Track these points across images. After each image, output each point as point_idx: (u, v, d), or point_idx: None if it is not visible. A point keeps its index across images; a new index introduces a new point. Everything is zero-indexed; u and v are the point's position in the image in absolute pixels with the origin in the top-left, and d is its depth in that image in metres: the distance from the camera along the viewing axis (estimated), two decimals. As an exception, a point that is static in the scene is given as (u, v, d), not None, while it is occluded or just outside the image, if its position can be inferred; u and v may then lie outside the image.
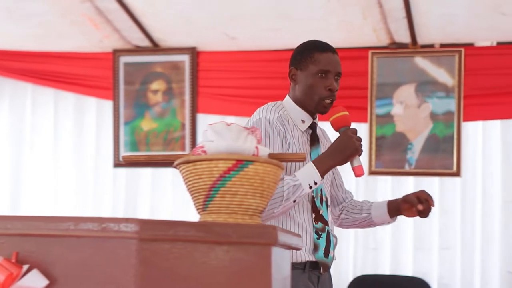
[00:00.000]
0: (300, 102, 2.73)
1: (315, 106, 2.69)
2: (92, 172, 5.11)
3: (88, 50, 5.03)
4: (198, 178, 1.79)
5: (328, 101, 2.68)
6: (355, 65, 4.68)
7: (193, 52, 4.91)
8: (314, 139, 2.76)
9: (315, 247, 2.65)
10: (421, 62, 4.58)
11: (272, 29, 4.58)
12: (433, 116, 4.55)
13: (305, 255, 2.63)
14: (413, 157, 4.57)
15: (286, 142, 2.64)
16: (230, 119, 4.68)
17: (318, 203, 2.69)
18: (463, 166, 4.52)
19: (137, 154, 4.90)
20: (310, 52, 2.72)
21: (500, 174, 4.48)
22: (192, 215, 1.86)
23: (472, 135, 4.57)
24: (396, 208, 2.81)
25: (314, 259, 2.65)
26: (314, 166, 2.57)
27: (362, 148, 2.59)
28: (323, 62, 2.68)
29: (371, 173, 4.63)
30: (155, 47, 4.96)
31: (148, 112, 5.00)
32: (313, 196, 2.68)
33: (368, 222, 2.91)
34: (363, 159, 4.62)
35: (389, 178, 4.65)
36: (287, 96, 2.78)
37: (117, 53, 4.99)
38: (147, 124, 5.00)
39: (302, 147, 2.70)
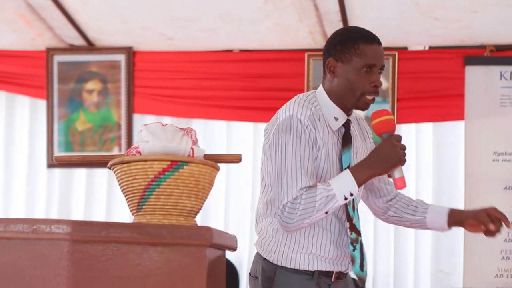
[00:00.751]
0: (337, 97, 2.43)
1: (355, 103, 2.41)
2: (25, 172, 4.99)
3: (20, 48, 4.92)
4: (133, 179, 1.78)
5: (370, 97, 2.40)
6: (292, 67, 4.71)
7: (129, 52, 4.85)
8: (346, 140, 2.45)
9: (352, 260, 2.41)
10: (356, 65, 4.64)
11: (209, 30, 4.57)
12: (367, 118, 4.61)
13: (318, 265, 2.42)
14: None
15: (316, 144, 2.37)
16: (167, 119, 4.65)
17: (351, 211, 2.43)
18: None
19: (71, 154, 4.81)
20: (355, 42, 2.39)
21: (431, 175, 4.57)
22: (127, 216, 1.85)
23: (405, 137, 4.63)
24: (459, 220, 2.54)
25: (341, 270, 2.44)
26: (351, 175, 2.31)
27: (406, 158, 2.32)
28: (369, 55, 2.37)
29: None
30: (90, 46, 4.89)
31: (83, 112, 4.92)
32: (346, 204, 2.40)
33: (420, 225, 2.63)
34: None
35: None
36: (321, 87, 2.47)
37: (50, 51, 4.89)
38: (81, 124, 4.92)
39: (332, 148, 2.42)
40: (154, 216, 1.75)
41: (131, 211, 1.82)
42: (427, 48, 4.63)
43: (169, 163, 1.75)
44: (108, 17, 4.53)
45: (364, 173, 2.31)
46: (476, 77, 4.43)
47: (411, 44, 4.64)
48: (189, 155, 1.82)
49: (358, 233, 2.43)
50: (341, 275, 2.45)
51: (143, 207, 1.77)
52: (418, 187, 4.60)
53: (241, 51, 4.83)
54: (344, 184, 2.30)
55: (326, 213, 2.31)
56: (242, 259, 4.70)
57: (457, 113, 4.51)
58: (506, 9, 3.98)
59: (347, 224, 2.41)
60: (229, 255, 4.30)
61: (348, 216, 2.41)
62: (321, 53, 4.56)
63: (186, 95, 4.81)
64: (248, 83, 4.77)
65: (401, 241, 4.59)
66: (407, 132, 4.63)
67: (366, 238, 4.55)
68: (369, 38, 2.42)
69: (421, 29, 4.37)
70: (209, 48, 4.82)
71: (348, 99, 2.41)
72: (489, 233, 2.45)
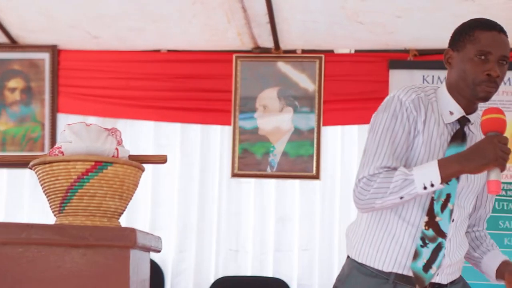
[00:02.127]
0: (454, 89, 2.29)
1: (470, 93, 2.24)
2: None
3: None
4: (55, 180, 1.74)
5: (487, 87, 2.22)
6: (220, 68, 4.72)
7: (54, 50, 4.76)
8: (457, 135, 2.28)
9: (415, 255, 2.26)
10: (283, 67, 4.68)
11: (135, 29, 4.52)
12: (295, 120, 4.66)
13: (392, 263, 2.28)
14: (274, 160, 4.65)
15: (415, 129, 2.24)
16: (92, 119, 4.58)
17: (437, 208, 2.26)
18: (322, 169, 4.65)
19: (-8, 154, 4.68)
20: (471, 29, 2.25)
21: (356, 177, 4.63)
22: (50, 218, 1.81)
23: (331, 139, 4.71)
24: (502, 273, 2.37)
25: (403, 272, 2.28)
26: (437, 166, 2.15)
27: (507, 160, 2.13)
28: (483, 41, 2.21)
29: (234, 175, 4.68)
30: (13, 44, 4.77)
31: (4, 111, 4.79)
32: (433, 197, 2.26)
33: (475, 263, 2.49)
34: (226, 162, 4.69)
35: (252, 180, 4.71)
36: (444, 82, 2.37)
37: (-29, 49, 4.76)
38: (3, 124, 4.79)
39: (437, 138, 2.26)
40: (76, 217, 1.72)
41: (53, 212, 1.78)
42: (353, 52, 4.70)
43: (92, 163, 1.72)
44: (32, 14, 4.43)
45: (453, 166, 2.15)
46: (400, 81, 4.51)
47: (338, 47, 4.70)
48: (113, 156, 1.80)
49: (442, 234, 2.26)
50: (420, 282, 2.26)
51: (66, 208, 1.73)
52: (343, 190, 4.65)
53: (169, 51, 4.80)
54: (426, 173, 2.15)
55: (401, 198, 2.17)
56: (167, 260, 4.67)
57: (382, 116, 4.60)
58: (429, 15, 4.08)
59: (425, 218, 2.26)
60: (155, 256, 4.30)
61: (430, 211, 2.26)
62: (249, 54, 4.68)
63: (112, 95, 4.75)
64: (175, 83, 4.74)
65: (325, 239, 4.64)
66: (333, 135, 4.69)
67: (291, 236, 4.62)
68: (486, 25, 2.26)
69: (347, 33, 4.44)
70: (136, 48, 4.77)
71: (463, 89, 2.26)
72: None
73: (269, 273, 4.66)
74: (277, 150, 4.65)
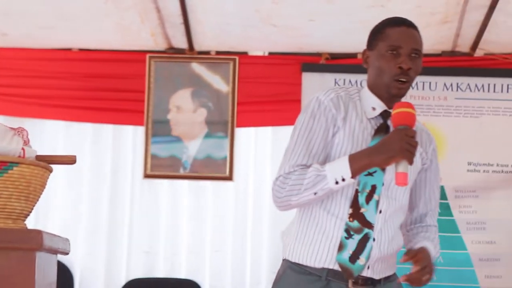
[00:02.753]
0: (373, 87, 2.34)
1: (386, 89, 2.29)
2: None
3: None
4: (-43, 180, 1.68)
5: (400, 82, 2.26)
6: (133, 68, 4.67)
7: (-41, 47, 4.60)
8: (380, 129, 2.31)
9: (340, 247, 2.26)
10: (197, 68, 4.67)
11: (46, 27, 4.42)
12: (208, 121, 4.66)
13: (323, 258, 2.28)
14: (188, 161, 4.63)
15: (334, 126, 2.27)
16: (-1, 119, 4.45)
17: (361, 199, 2.27)
18: (235, 170, 4.66)
19: None
20: (382, 28, 2.33)
21: (269, 179, 4.67)
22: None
23: (244, 141, 4.73)
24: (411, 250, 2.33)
25: (335, 267, 2.27)
26: (348, 160, 2.19)
27: (415, 154, 2.17)
28: (393, 36, 2.28)
29: (147, 176, 4.64)
30: None
31: None
32: (357, 189, 2.27)
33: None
34: (139, 163, 4.64)
35: (165, 181, 4.68)
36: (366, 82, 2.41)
37: None
38: None
39: (360, 134, 2.29)
40: (-20, 219, 1.66)
41: (-45, 214, 1.72)
42: (266, 54, 4.73)
43: (-3, 163, 1.67)
44: None
45: (362, 160, 2.19)
46: (312, 84, 4.57)
47: (252, 49, 4.73)
48: (19, 156, 1.75)
49: (368, 225, 2.25)
50: (348, 274, 2.25)
51: (-31, 210, 1.68)
52: (256, 191, 4.68)
53: (80, 50, 4.72)
54: (337, 168, 2.20)
55: (315, 194, 2.21)
56: (77, 262, 4.59)
57: (294, 118, 4.61)
58: (341, 19, 4.15)
59: (350, 210, 2.26)
60: (64, 258, 4.20)
61: (354, 203, 2.26)
62: (162, 55, 4.64)
63: (20, 94, 4.62)
64: (87, 83, 4.66)
65: (238, 241, 4.65)
66: (247, 136, 4.71)
67: (204, 237, 4.62)
68: (395, 21, 2.33)
69: (261, 35, 4.47)
70: (46, 46, 4.66)
71: (380, 86, 2.31)
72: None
73: (181, 274, 4.64)
74: (190, 151, 4.64)
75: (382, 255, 2.29)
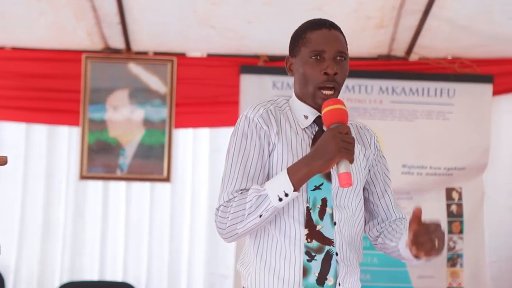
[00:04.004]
0: (300, 95, 2.21)
1: (312, 98, 2.16)
2: None
3: None
4: None
5: (327, 91, 2.14)
6: (68, 68, 4.60)
7: None
8: (317, 137, 2.15)
9: (305, 272, 2.10)
10: (135, 68, 4.63)
11: (-22, 25, 4.31)
12: (146, 122, 4.62)
13: (291, 285, 2.11)
14: (125, 162, 4.59)
15: (269, 143, 2.14)
16: None
17: (315, 216, 2.12)
18: (173, 171, 4.63)
19: None
20: (302, 32, 2.19)
21: (207, 180, 4.66)
22: None
23: (182, 142, 4.70)
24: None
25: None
26: (287, 173, 2.04)
27: (353, 150, 2.03)
28: (315, 40, 2.14)
29: (82, 177, 4.57)
30: None
31: None
32: (308, 207, 2.12)
33: (398, 255, 2.23)
34: (74, 164, 4.56)
35: (100, 182, 4.61)
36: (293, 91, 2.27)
37: None
38: None
39: (298, 147, 2.15)
40: None
41: None
42: (205, 56, 4.72)
43: None
44: None
45: (301, 170, 2.03)
46: (250, 86, 4.59)
47: (190, 50, 4.71)
48: None
49: (326, 241, 2.12)
50: None
51: None
52: (193, 193, 4.67)
53: (14, 48, 4.61)
54: (278, 184, 2.04)
55: (261, 216, 2.05)
56: (9, 265, 4.49)
57: (232, 119, 4.62)
58: (279, 22, 4.17)
59: (305, 231, 2.11)
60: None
61: (308, 222, 2.11)
62: (99, 55, 4.58)
63: None
64: (20, 82, 4.56)
65: (175, 243, 4.63)
66: (185, 137, 4.69)
67: (140, 239, 4.58)
68: (315, 24, 2.19)
69: (200, 36, 4.45)
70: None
71: (306, 94, 2.19)
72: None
73: (117, 277, 4.58)
74: (127, 152, 4.59)
75: (348, 269, 2.17)
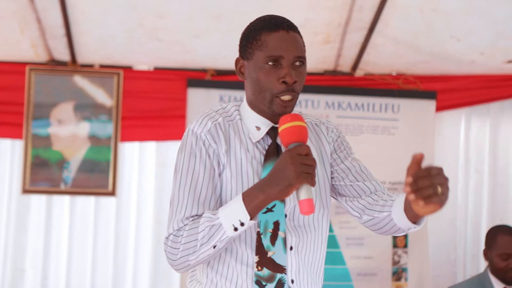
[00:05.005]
0: (253, 103, 2.00)
1: (269, 106, 1.95)
2: None
3: None
4: None
5: (285, 98, 1.93)
6: (12, 80, 4.52)
7: None
8: (270, 152, 1.98)
9: None
10: (80, 81, 4.57)
11: None
12: (91, 136, 4.56)
13: None
14: (69, 176, 4.52)
15: (219, 163, 1.95)
16: None
17: (266, 242, 1.94)
18: (118, 185, 4.58)
19: None
20: (257, 33, 1.96)
21: (153, 194, 4.63)
22: None
23: (128, 155, 4.66)
24: (408, 204, 1.86)
25: None
26: (242, 200, 1.85)
27: (315, 173, 1.84)
28: (272, 44, 1.92)
29: (25, 191, 4.48)
30: None
31: None
32: (258, 231, 1.94)
33: (391, 226, 1.99)
34: (17, 177, 4.47)
35: (43, 197, 4.53)
36: (245, 96, 2.05)
37: None
38: None
39: (248, 166, 1.96)
40: None
41: None
42: (152, 69, 4.69)
43: None
44: None
45: (257, 196, 1.84)
46: (198, 99, 4.58)
47: (137, 63, 4.67)
48: None
49: (279, 269, 1.94)
50: None
51: None
52: (139, 207, 4.63)
53: (-46, 59, 4.52)
54: (232, 212, 1.85)
55: (215, 247, 1.87)
56: None
57: (179, 133, 4.61)
58: (226, 36, 4.18)
59: (256, 258, 1.94)
60: None
61: (259, 248, 1.94)
62: (43, 67, 4.51)
63: None
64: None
65: (120, 258, 4.58)
66: (131, 150, 4.65)
67: (84, 254, 4.51)
68: (272, 25, 1.95)
69: (147, 49, 4.43)
70: None
71: (261, 102, 1.97)
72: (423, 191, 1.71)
73: (61, 290, 4.51)
74: (72, 165, 4.52)
75: None
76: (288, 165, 1.81)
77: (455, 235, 4.81)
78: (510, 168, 4.82)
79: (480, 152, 4.83)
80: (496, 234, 3.95)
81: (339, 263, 4.57)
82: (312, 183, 1.83)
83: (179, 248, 1.91)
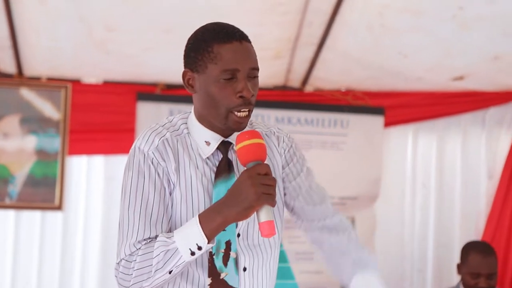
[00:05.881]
0: (204, 118, 1.91)
1: (224, 122, 1.87)
2: None
3: None
4: None
5: (241, 113, 1.86)
6: (-45, 91, 4.42)
7: None
8: (221, 168, 1.90)
9: None
10: (27, 94, 4.49)
11: None
12: (38, 149, 4.49)
13: None
14: (14, 190, 4.43)
15: (169, 182, 1.86)
16: None
17: (218, 263, 1.86)
18: (65, 200, 4.52)
19: None
20: (208, 45, 1.85)
21: (101, 209, 4.57)
22: None
23: (76, 169, 4.60)
24: None
25: None
26: (198, 223, 1.76)
27: (275, 193, 1.77)
28: (226, 57, 1.83)
29: (-32, 206, 4.38)
30: None
31: None
32: (211, 252, 1.87)
33: (334, 273, 2.03)
34: None
35: (-13, 212, 4.44)
36: (193, 109, 1.95)
37: None
38: None
39: (198, 185, 1.88)
40: None
41: None
42: (101, 82, 4.65)
43: None
44: None
45: (215, 219, 1.76)
46: (147, 113, 4.54)
47: (86, 76, 4.61)
48: None
49: None
50: None
51: None
52: (86, 221, 4.57)
53: None
54: (188, 235, 1.76)
55: (171, 272, 1.79)
56: None
57: (128, 147, 4.55)
58: (176, 49, 4.14)
59: (209, 280, 1.87)
60: None
61: (211, 270, 1.87)
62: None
63: None
64: None
65: (66, 273, 4.50)
66: (79, 164, 4.59)
67: (30, 266, 4.42)
68: (224, 35, 1.86)
69: (96, 62, 4.39)
70: None
71: (214, 117, 1.88)
72: None
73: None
74: (17, 179, 4.44)
75: None
76: (248, 186, 1.74)
77: (402, 250, 4.85)
78: (456, 183, 4.90)
79: (426, 167, 4.90)
80: (468, 251, 3.93)
81: (288, 278, 4.57)
82: (273, 204, 1.77)
83: (131, 274, 1.82)
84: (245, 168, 1.80)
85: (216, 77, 1.85)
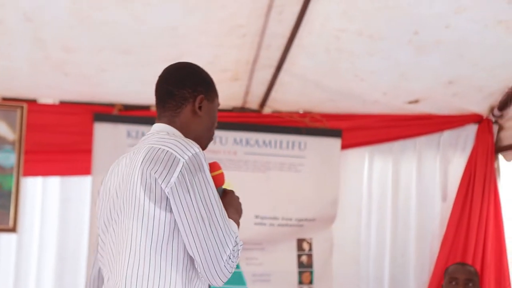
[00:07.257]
0: (198, 138, 2.27)
1: (207, 142, 2.37)
2: None
3: None
4: None
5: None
6: None
7: None
8: None
9: None
10: (-19, 114, 4.44)
11: None
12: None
13: None
14: (-33, 211, 4.36)
15: None
16: None
17: None
18: (20, 221, 4.45)
19: None
20: (213, 82, 2.38)
21: (56, 231, 4.51)
22: None
23: (31, 190, 4.54)
24: None
25: None
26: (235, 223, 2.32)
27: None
28: (217, 99, 2.41)
29: None
30: None
31: None
32: None
33: None
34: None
35: None
36: (168, 127, 2.24)
37: None
38: None
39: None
40: None
41: None
42: (57, 102, 4.60)
43: None
44: None
45: (237, 220, 2.31)
46: (105, 134, 4.51)
47: (42, 97, 4.57)
48: None
49: None
50: None
51: None
52: (42, 243, 4.50)
53: None
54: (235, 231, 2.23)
55: None
56: None
57: (85, 168, 4.53)
58: (135, 71, 4.16)
59: None
60: None
61: None
62: None
63: None
64: None
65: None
66: (34, 185, 4.53)
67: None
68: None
69: (52, 83, 4.34)
70: None
71: (208, 139, 2.36)
72: None
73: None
74: (-30, 201, 4.36)
75: None
76: (239, 203, 2.30)
77: (359, 271, 4.88)
78: (411, 205, 4.94)
79: (383, 189, 4.95)
80: (449, 266, 4.28)
81: (245, 300, 4.56)
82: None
83: (234, 262, 2.14)
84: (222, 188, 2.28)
85: (216, 108, 2.36)
